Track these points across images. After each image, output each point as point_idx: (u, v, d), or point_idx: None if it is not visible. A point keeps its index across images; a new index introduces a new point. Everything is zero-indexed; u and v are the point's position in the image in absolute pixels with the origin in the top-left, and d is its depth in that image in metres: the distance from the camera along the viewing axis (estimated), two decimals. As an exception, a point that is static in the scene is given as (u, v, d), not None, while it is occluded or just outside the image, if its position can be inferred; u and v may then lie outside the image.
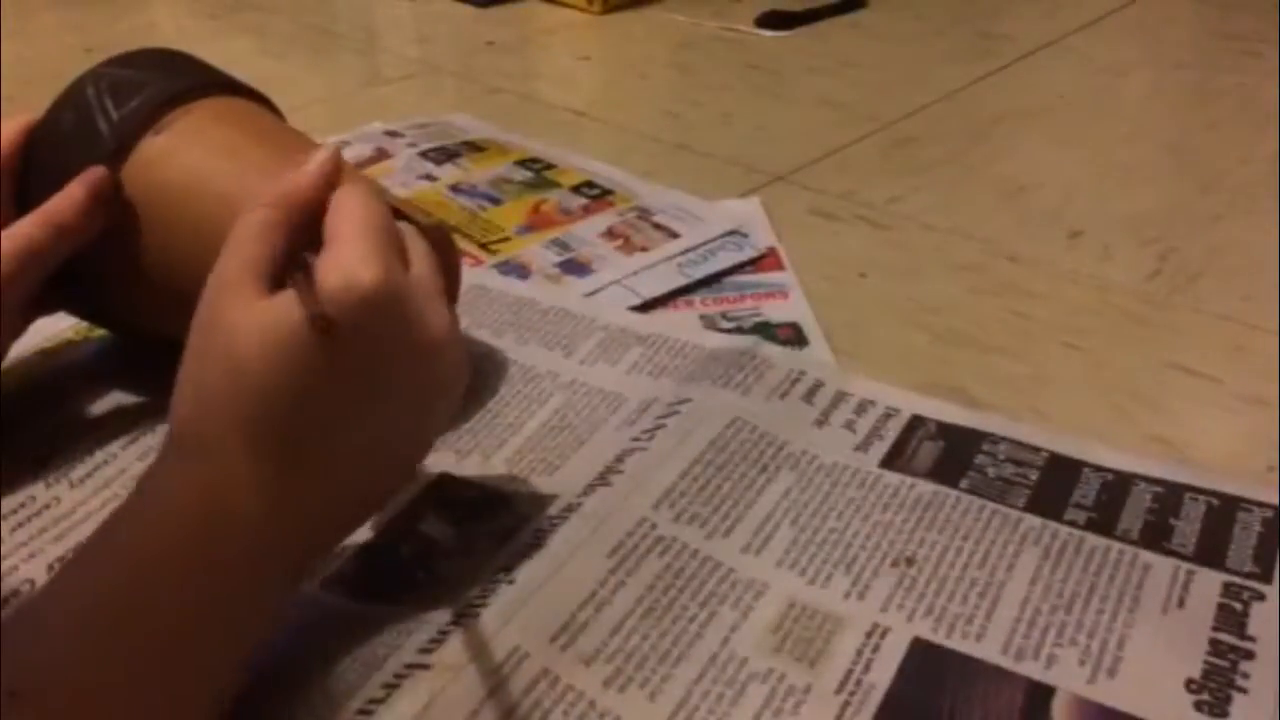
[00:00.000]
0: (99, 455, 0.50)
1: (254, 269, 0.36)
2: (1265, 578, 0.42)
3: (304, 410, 0.35)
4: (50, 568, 0.44)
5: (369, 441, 0.36)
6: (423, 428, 0.39)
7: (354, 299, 0.34)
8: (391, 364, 0.36)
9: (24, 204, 0.49)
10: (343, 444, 0.36)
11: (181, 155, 0.49)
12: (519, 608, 0.40)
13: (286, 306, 0.34)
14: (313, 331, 0.34)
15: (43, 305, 0.51)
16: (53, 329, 0.57)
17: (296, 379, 0.34)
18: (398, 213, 0.49)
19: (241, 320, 0.35)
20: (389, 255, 0.36)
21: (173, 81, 0.50)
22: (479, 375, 0.56)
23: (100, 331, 0.58)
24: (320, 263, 0.35)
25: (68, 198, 0.47)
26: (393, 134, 0.85)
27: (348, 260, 0.35)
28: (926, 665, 0.39)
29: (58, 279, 0.49)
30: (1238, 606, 0.41)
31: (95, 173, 0.47)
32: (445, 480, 0.49)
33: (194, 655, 0.33)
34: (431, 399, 0.38)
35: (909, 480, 0.48)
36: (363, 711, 0.36)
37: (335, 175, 0.40)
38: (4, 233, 0.46)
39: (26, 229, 0.46)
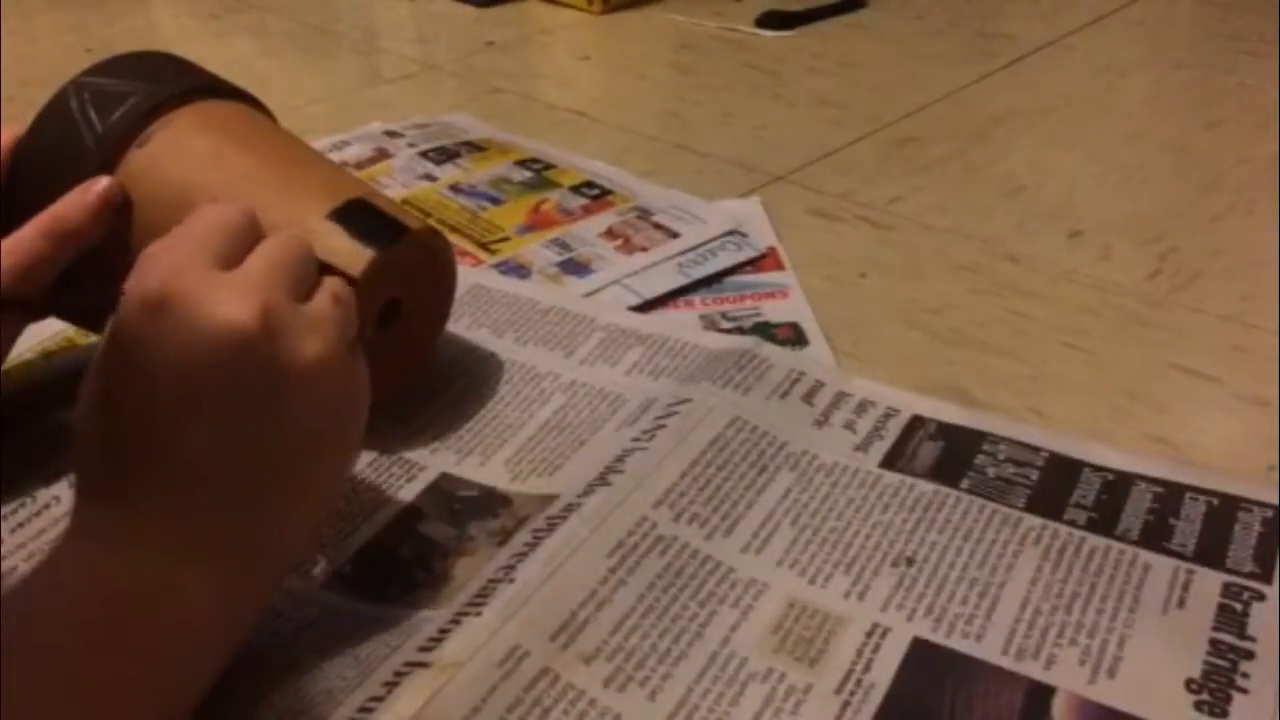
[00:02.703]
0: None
1: None
2: (1265, 578, 0.42)
3: (114, 434, 0.34)
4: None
5: (215, 453, 0.34)
6: (285, 441, 0.36)
7: (129, 307, 0.34)
8: (196, 363, 0.34)
9: (8, 219, 0.48)
10: (188, 458, 0.34)
11: (165, 168, 0.48)
12: (519, 606, 0.40)
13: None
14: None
15: (38, 312, 0.51)
16: (53, 329, 0.57)
17: (97, 406, 0.34)
18: (386, 220, 0.49)
19: None
20: (192, 261, 0.35)
21: (156, 89, 0.50)
22: (478, 376, 0.56)
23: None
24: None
25: (72, 205, 0.47)
26: (392, 134, 0.85)
27: (137, 274, 0.35)
28: (927, 665, 0.39)
29: (52, 286, 0.48)
30: (1238, 606, 0.41)
31: (104, 181, 0.47)
32: (445, 480, 0.49)
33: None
34: (276, 403, 0.35)
35: (909, 480, 0.48)
36: (363, 710, 0.36)
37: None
38: (5, 240, 0.46)
39: (29, 237, 0.46)
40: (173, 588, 0.33)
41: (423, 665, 0.38)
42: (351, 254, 0.46)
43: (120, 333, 0.34)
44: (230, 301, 0.34)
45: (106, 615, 0.32)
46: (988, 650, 0.40)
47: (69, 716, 0.30)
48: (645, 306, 0.62)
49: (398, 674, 0.37)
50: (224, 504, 0.35)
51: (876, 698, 0.38)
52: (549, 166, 0.79)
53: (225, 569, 0.34)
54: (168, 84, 0.50)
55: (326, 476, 0.38)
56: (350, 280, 0.46)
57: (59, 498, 0.47)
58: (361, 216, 0.48)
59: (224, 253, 0.36)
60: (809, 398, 0.52)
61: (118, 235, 0.48)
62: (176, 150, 0.49)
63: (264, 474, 0.35)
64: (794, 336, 0.59)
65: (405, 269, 0.50)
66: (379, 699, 0.36)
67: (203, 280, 0.35)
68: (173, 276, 0.34)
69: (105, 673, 0.31)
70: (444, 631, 0.39)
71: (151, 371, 0.34)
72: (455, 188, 0.76)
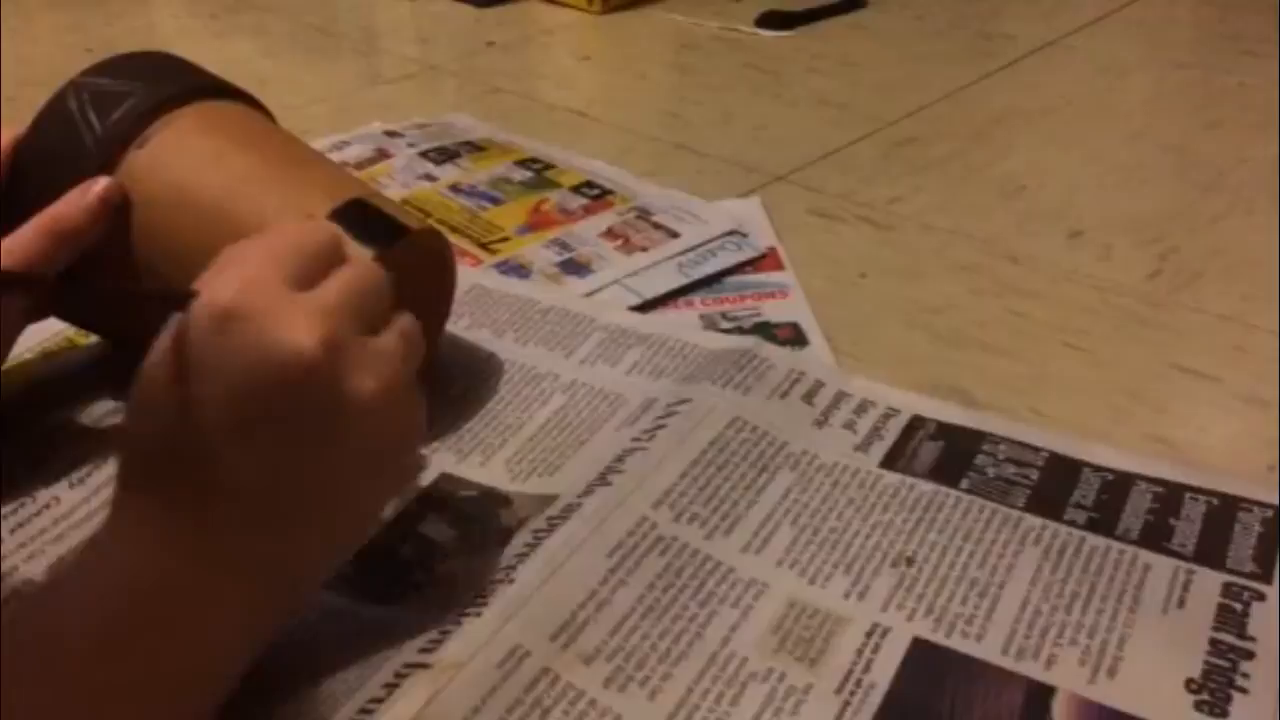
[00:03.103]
0: (98, 456, 0.50)
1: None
2: (1265, 578, 0.42)
3: (175, 445, 0.34)
4: (50, 568, 0.44)
5: (264, 476, 0.34)
6: (332, 471, 0.36)
7: (201, 318, 0.33)
8: (260, 385, 0.33)
9: (8, 219, 0.48)
10: (239, 478, 0.34)
11: (165, 169, 0.48)
12: (519, 607, 0.40)
13: (160, 342, 0.34)
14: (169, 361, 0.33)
15: (38, 312, 0.51)
16: (53, 329, 0.57)
17: (161, 413, 0.34)
18: (386, 220, 0.49)
19: None
20: (267, 278, 0.34)
21: (155, 90, 0.50)
22: (478, 376, 0.56)
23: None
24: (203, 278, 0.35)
25: (71, 205, 0.47)
26: (393, 134, 0.85)
27: (212, 281, 0.34)
28: (927, 665, 0.39)
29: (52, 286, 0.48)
30: (1238, 606, 0.41)
31: (104, 181, 0.47)
32: (445, 480, 0.49)
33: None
34: (329, 435, 0.35)
35: (909, 480, 0.48)
36: (363, 711, 0.36)
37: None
38: (5, 240, 0.46)
39: (29, 237, 0.46)
40: (201, 596, 0.34)
41: (423, 666, 0.38)
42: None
43: (187, 338, 0.34)
44: (299, 327, 0.34)
45: (133, 611, 0.32)
46: (988, 650, 0.40)
47: (85, 711, 0.31)
48: (645, 306, 0.62)
49: (398, 675, 0.37)
50: (262, 524, 0.35)
51: (876, 698, 0.38)
52: (549, 166, 0.79)
53: (253, 585, 0.34)
54: (167, 84, 0.50)
55: (366, 507, 0.38)
56: None
57: (59, 498, 0.47)
58: (361, 217, 0.48)
59: (301, 273, 0.36)
60: (809, 398, 0.52)
61: (117, 235, 0.48)
62: (176, 151, 0.49)
63: (305, 500, 0.35)
64: (794, 336, 0.59)
65: (405, 269, 0.49)
66: (379, 700, 0.37)
67: (275, 300, 0.34)
68: (247, 291, 0.34)
69: (123, 669, 0.31)
70: (444, 632, 0.39)
71: (213, 383, 0.33)
72: (455, 188, 0.76)
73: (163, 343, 0.34)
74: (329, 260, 0.37)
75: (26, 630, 0.31)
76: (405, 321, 0.39)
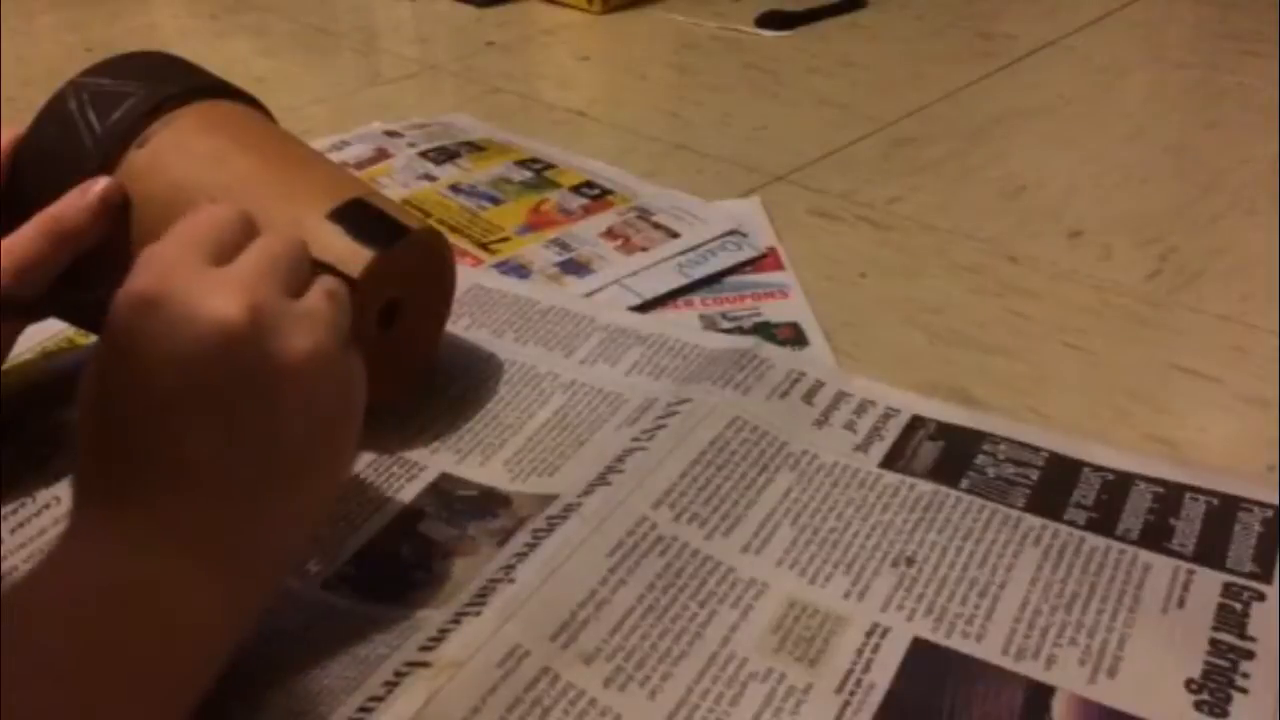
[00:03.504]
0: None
1: None
2: (1265, 578, 0.42)
3: (109, 434, 0.34)
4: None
5: (208, 450, 0.34)
6: (278, 438, 0.35)
7: (120, 307, 0.34)
8: (187, 361, 0.34)
9: (8, 219, 0.48)
10: (183, 455, 0.34)
11: (165, 168, 0.48)
12: (519, 606, 0.40)
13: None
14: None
15: (38, 313, 0.51)
16: (53, 329, 0.57)
17: (93, 407, 0.34)
18: (386, 220, 0.49)
19: None
20: (183, 260, 0.35)
21: (155, 90, 0.50)
22: (478, 376, 0.56)
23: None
24: None
25: (71, 205, 0.47)
26: (393, 134, 0.85)
27: (132, 271, 0.35)
28: (927, 665, 0.39)
29: (52, 286, 0.48)
30: (1238, 606, 0.41)
31: (103, 181, 0.47)
32: (445, 480, 0.49)
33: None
34: (267, 400, 0.35)
35: (909, 480, 0.48)
36: (363, 710, 0.36)
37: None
38: (5, 241, 0.46)
39: (29, 237, 0.46)
40: (170, 587, 0.33)
41: (423, 665, 0.38)
42: (351, 254, 0.46)
43: (113, 333, 0.34)
44: (219, 297, 0.34)
45: (104, 614, 0.32)
46: (988, 650, 0.40)
47: (67, 717, 0.30)
48: (645, 306, 0.62)
49: (398, 674, 0.37)
50: (219, 502, 0.34)
51: (876, 697, 0.38)
52: (549, 166, 0.79)
53: (222, 568, 0.34)
54: (167, 84, 0.50)
55: (323, 474, 0.38)
56: (350, 281, 0.46)
57: (59, 498, 0.47)
58: (361, 217, 0.48)
59: (216, 251, 0.36)
60: (809, 398, 0.52)
61: (117, 235, 0.48)
62: (176, 150, 0.49)
63: (259, 471, 0.35)
64: (794, 336, 0.59)
65: (405, 269, 0.50)
66: (379, 699, 0.37)
67: (193, 278, 0.35)
68: (163, 275, 0.34)
69: (103, 672, 0.31)
70: (444, 631, 0.39)
71: (143, 370, 0.34)
72: (455, 188, 0.76)
73: (96, 346, 0.35)
74: (243, 235, 0.38)
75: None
76: (328, 281, 0.39)
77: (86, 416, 0.35)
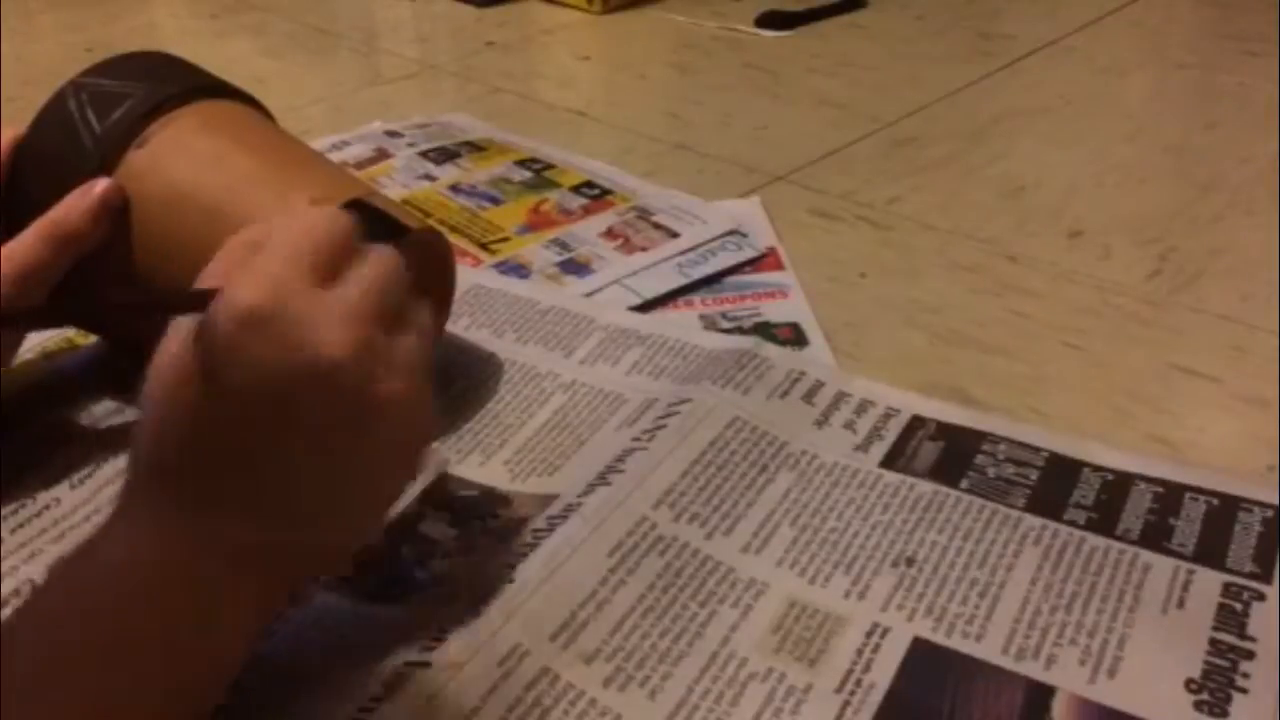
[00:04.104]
0: (98, 456, 0.50)
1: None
2: (1265, 578, 0.42)
3: (196, 444, 0.33)
4: (50, 568, 0.44)
5: (289, 476, 0.34)
6: (354, 470, 0.35)
7: (226, 318, 0.32)
8: (288, 388, 0.33)
9: (8, 219, 0.48)
10: (264, 477, 0.33)
11: (165, 169, 0.48)
12: (519, 606, 0.40)
13: (172, 337, 0.33)
14: (193, 359, 0.32)
15: (40, 319, 0.51)
16: (53, 329, 0.57)
17: (179, 411, 0.33)
18: (386, 220, 0.49)
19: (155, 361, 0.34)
20: (291, 276, 0.33)
21: (155, 90, 0.50)
22: (478, 376, 0.56)
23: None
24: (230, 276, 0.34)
25: (71, 209, 0.47)
26: (393, 134, 0.85)
27: (238, 279, 0.33)
28: (927, 665, 0.39)
29: (53, 293, 0.48)
30: (1238, 606, 0.41)
31: (103, 183, 0.47)
32: (445, 480, 0.49)
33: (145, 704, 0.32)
34: (355, 436, 0.34)
35: (909, 480, 0.48)
36: (364, 710, 0.36)
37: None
38: (5, 247, 0.46)
39: (29, 243, 0.46)
40: (216, 589, 0.33)
41: (423, 665, 0.38)
42: None
43: (210, 340, 0.32)
44: (329, 330, 0.33)
45: (146, 606, 0.32)
46: (988, 650, 0.40)
47: (95, 712, 0.30)
48: (645, 306, 0.62)
49: (398, 674, 0.37)
50: (284, 526, 0.34)
51: (876, 697, 0.38)
52: (549, 166, 0.79)
53: (268, 577, 0.34)
54: (167, 84, 0.50)
55: (384, 497, 0.38)
56: None
57: (59, 498, 0.47)
58: (362, 216, 0.48)
59: (324, 267, 0.34)
60: (809, 398, 0.52)
61: (118, 236, 0.48)
62: (176, 151, 0.49)
63: (329, 502, 0.35)
64: (794, 336, 0.59)
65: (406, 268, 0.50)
66: (379, 699, 0.37)
67: (303, 301, 0.33)
68: (273, 293, 0.32)
69: (135, 664, 0.31)
70: (444, 632, 0.39)
71: (239, 386, 0.32)
72: (455, 188, 0.76)
73: (174, 341, 0.33)
74: (348, 251, 0.36)
75: (28, 633, 0.31)
76: (423, 317, 0.38)
77: (157, 412, 0.34)
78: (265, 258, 0.34)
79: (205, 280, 0.34)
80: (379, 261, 0.37)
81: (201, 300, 0.33)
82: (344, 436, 0.34)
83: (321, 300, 0.33)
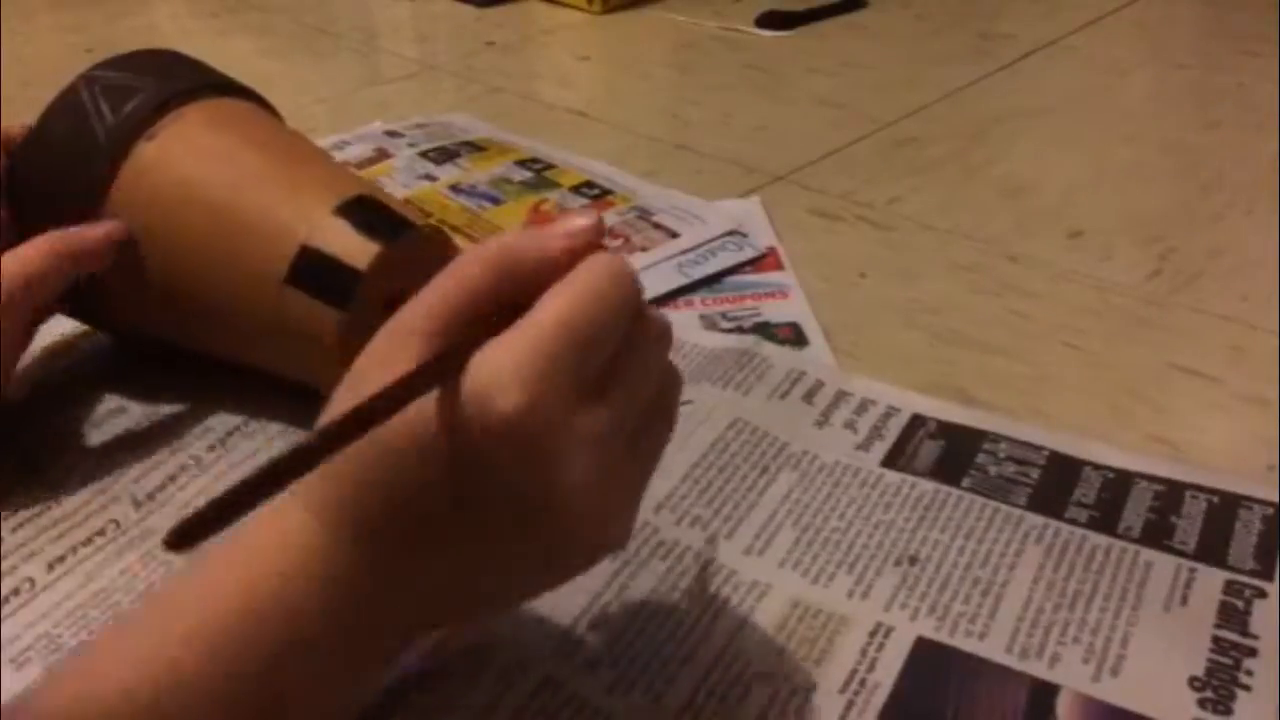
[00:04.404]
0: (99, 456, 0.50)
1: (427, 318, 0.32)
2: (1267, 575, 0.42)
3: (420, 528, 0.31)
4: (50, 567, 0.44)
5: (469, 568, 0.33)
6: (527, 577, 0.34)
7: (482, 428, 0.29)
8: (523, 513, 0.31)
9: (18, 207, 0.49)
10: (449, 559, 0.32)
11: (173, 163, 0.48)
12: (521, 614, 0.40)
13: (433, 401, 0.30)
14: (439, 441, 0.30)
15: (46, 312, 0.51)
16: (54, 329, 0.57)
17: (405, 478, 0.31)
18: (392, 216, 0.49)
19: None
20: (561, 385, 0.30)
21: (167, 84, 0.50)
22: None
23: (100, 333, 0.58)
24: (485, 349, 0.30)
25: (82, 236, 0.47)
26: (393, 134, 0.85)
27: (500, 369, 0.29)
28: (930, 664, 0.39)
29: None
30: (1240, 604, 0.41)
31: (116, 226, 0.48)
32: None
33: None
34: (547, 557, 0.33)
35: (910, 479, 0.48)
36: (364, 718, 0.36)
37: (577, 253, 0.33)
38: (7, 255, 0.46)
39: (41, 251, 0.46)
40: (377, 660, 0.34)
41: (422, 676, 0.37)
42: (358, 247, 0.46)
43: (462, 434, 0.30)
44: (575, 471, 0.30)
45: (307, 656, 0.32)
46: (991, 649, 0.40)
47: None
48: (646, 306, 0.62)
49: (397, 686, 0.37)
50: (460, 607, 0.34)
51: (881, 697, 0.38)
52: (549, 166, 0.79)
53: (405, 639, 0.35)
54: (178, 80, 0.51)
55: (541, 593, 0.36)
56: (357, 273, 0.46)
57: (59, 499, 0.47)
58: (368, 211, 0.48)
59: (588, 374, 0.31)
60: (809, 398, 0.52)
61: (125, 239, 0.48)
62: (185, 145, 0.49)
63: (504, 599, 0.36)
64: (794, 336, 0.59)
65: (410, 264, 0.50)
66: (381, 706, 0.36)
67: (560, 424, 0.30)
68: (537, 406, 0.29)
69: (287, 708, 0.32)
70: (443, 643, 0.39)
71: (473, 486, 0.31)
72: (455, 188, 0.76)
73: (426, 406, 0.30)
74: (614, 341, 0.32)
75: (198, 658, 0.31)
76: (665, 438, 0.35)
77: (387, 471, 0.31)
78: (543, 362, 0.29)
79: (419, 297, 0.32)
80: (653, 377, 0.34)
81: (440, 376, 0.30)
82: (554, 555, 0.33)
83: (576, 426, 0.30)
